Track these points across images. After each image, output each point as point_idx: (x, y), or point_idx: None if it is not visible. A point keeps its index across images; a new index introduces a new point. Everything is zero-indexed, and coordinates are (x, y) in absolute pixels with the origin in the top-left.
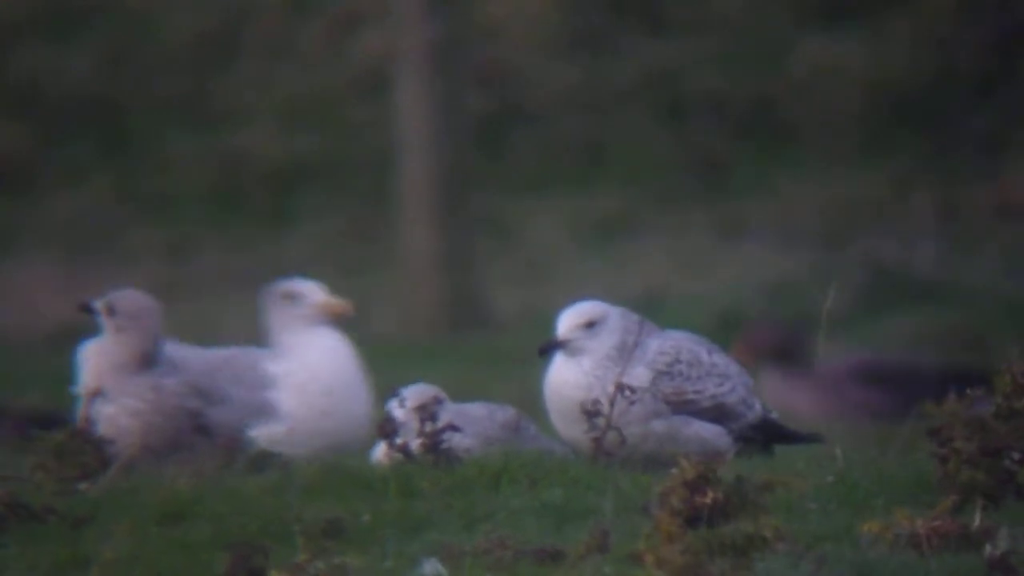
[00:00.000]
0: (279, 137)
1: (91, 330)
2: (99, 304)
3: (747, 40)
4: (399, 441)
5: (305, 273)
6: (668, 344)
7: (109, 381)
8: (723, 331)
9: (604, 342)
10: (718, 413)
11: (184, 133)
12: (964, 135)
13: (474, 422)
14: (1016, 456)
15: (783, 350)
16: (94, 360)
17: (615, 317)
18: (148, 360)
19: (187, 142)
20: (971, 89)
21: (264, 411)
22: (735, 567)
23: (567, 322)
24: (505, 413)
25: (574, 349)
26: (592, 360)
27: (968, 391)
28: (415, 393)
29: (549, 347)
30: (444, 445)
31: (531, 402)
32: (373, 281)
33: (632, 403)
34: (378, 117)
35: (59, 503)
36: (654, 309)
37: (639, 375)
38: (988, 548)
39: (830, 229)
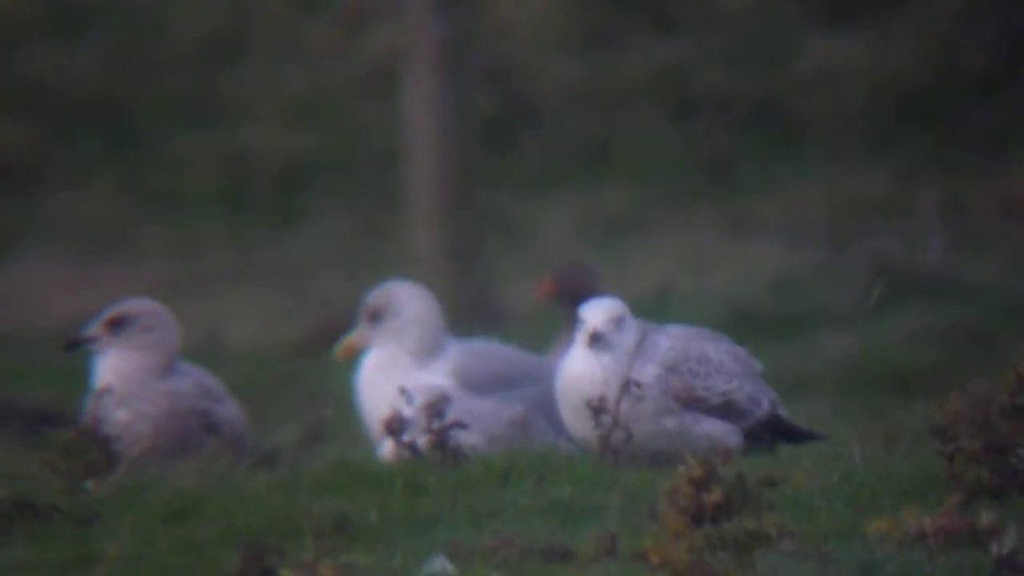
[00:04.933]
0: (286, 135)
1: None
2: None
3: (754, 38)
4: (406, 438)
5: (312, 271)
6: (678, 341)
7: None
8: (731, 328)
9: (626, 339)
10: (728, 410)
11: (191, 131)
12: (970, 132)
13: (481, 419)
14: (1022, 453)
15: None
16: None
17: (630, 315)
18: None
19: (194, 140)
20: (976, 87)
21: None
22: (739, 564)
23: (600, 317)
24: (512, 410)
25: (605, 344)
26: (612, 357)
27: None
28: (423, 390)
29: (596, 340)
30: (451, 442)
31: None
32: (381, 279)
33: (640, 400)
34: (386, 115)
35: (65, 501)
36: (662, 306)
37: (650, 373)
38: (995, 546)
39: (836, 226)
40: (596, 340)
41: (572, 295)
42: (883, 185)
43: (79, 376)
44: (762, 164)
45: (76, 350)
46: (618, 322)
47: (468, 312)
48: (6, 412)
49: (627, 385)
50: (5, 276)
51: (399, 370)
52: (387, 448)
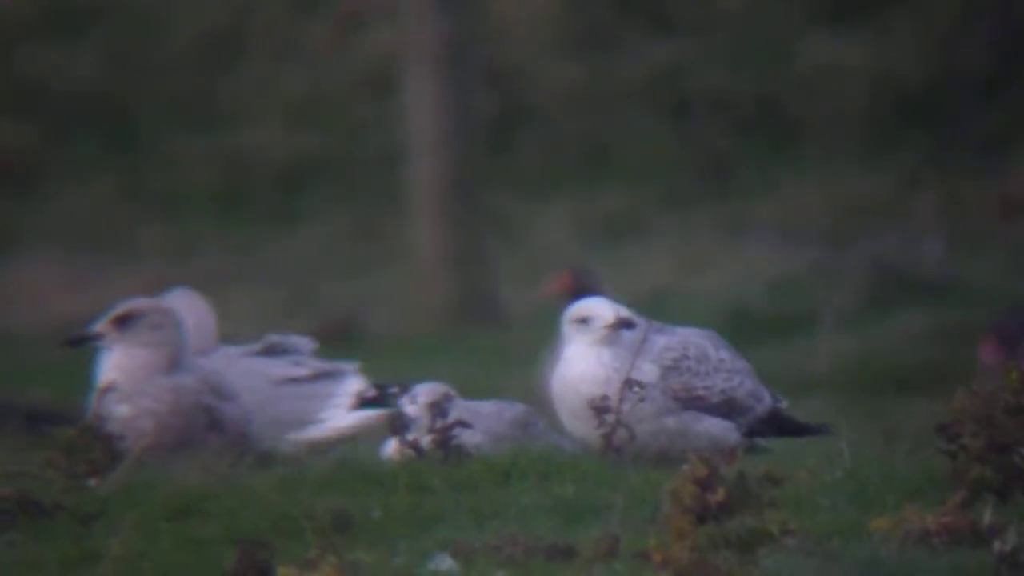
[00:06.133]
0: (285, 136)
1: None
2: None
3: (752, 38)
4: (410, 437)
5: (311, 271)
6: (675, 340)
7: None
8: (729, 329)
9: (628, 335)
10: (728, 408)
11: (190, 132)
12: (968, 133)
13: (484, 419)
14: None
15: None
16: None
17: None
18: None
19: (193, 141)
20: (975, 87)
21: None
22: (742, 562)
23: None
24: (514, 410)
25: (620, 336)
26: (612, 355)
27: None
28: (426, 390)
29: (626, 324)
30: (454, 441)
31: (539, 398)
32: (380, 279)
33: (642, 400)
34: (384, 116)
35: (68, 499)
36: (660, 307)
37: (647, 371)
38: (997, 544)
39: (835, 227)
40: (626, 325)
41: (580, 296)
42: (882, 186)
43: (78, 375)
44: (760, 165)
45: (79, 347)
46: None
47: (465, 311)
48: (5, 411)
49: (627, 384)
50: (5, 275)
51: None
52: (391, 447)
